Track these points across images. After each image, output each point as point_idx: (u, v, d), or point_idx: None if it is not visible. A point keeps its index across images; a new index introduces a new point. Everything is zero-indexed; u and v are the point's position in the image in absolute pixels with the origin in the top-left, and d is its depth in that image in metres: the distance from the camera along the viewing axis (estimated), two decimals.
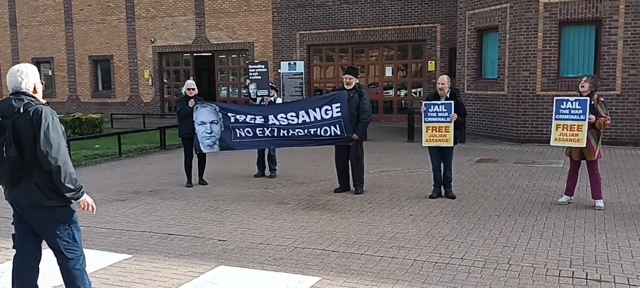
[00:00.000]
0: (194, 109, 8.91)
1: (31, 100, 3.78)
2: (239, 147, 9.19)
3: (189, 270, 5.26)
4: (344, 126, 8.30)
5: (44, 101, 3.99)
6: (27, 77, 3.85)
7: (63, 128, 3.92)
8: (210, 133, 8.85)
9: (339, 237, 6.23)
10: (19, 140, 3.71)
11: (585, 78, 7.46)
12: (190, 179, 9.42)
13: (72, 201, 3.86)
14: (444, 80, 8.05)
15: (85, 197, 3.88)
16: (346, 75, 8.59)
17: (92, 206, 3.92)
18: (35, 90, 3.89)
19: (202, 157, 9.44)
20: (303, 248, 5.83)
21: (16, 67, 3.91)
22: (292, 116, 8.53)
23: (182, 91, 9.44)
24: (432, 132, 7.98)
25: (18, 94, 3.82)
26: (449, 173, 8.16)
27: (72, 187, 3.77)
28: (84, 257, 4.05)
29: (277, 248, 5.86)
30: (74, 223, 3.96)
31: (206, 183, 9.41)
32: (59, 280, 4.05)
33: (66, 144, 3.94)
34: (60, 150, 3.71)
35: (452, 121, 7.86)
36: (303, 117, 8.48)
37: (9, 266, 5.40)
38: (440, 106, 7.94)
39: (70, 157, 4.16)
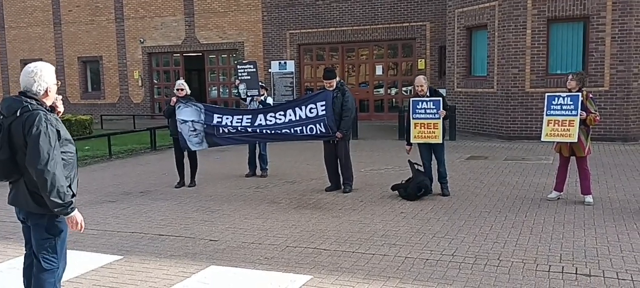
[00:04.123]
0: (176, 107, 8.88)
1: (30, 104, 3.61)
2: (225, 143, 9.28)
3: (180, 270, 5.25)
4: (329, 124, 8.39)
5: (57, 102, 3.84)
6: (40, 79, 3.67)
7: (67, 134, 3.75)
8: (195, 131, 8.85)
9: (330, 235, 6.24)
10: (13, 143, 3.61)
11: (571, 76, 7.51)
12: (183, 179, 9.38)
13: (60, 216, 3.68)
14: (420, 81, 8.12)
15: (75, 214, 3.66)
16: (325, 81, 8.60)
17: (80, 225, 3.71)
18: (46, 94, 3.71)
19: (193, 158, 9.39)
20: (294, 247, 5.84)
21: (32, 66, 3.72)
22: (280, 115, 8.69)
23: (173, 92, 9.39)
24: (421, 128, 8.03)
25: (24, 94, 3.67)
26: (443, 169, 8.15)
27: (60, 202, 3.55)
28: (62, 271, 3.93)
29: (268, 248, 5.86)
30: (59, 234, 3.79)
31: (195, 185, 9.34)
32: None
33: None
34: (49, 161, 3.50)
35: (441, 117, 7.89)
36: (290, 115, 8.62)
37: (7, 265, 5.39)
38: (428, 103, 7.98)
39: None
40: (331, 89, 8.50)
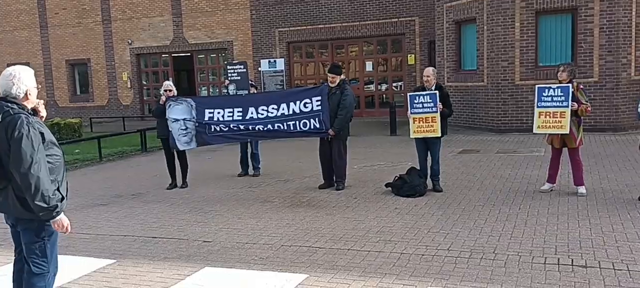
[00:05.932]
0: (167, 106, 8.77)
1: (11, 108, 3.56)
2: (216, 142, 9.15)
3: (175, 273, 5.19)
4: (323, 120, 8.27)
5: (40, 106, 3.81)
6: (19, 82, 3.62)
7: (51, 137, 3.69)
8: (185, 130, 8.70)
9: (325, 233, 6.21)
10: None
11: (562, 67, 7.52)
12: (175, 180, 9.30)
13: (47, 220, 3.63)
14: (429, 72, 8.05)
15: (61, 218, 3.62)
16: (330, 75, 8.49)
17: (66, 228, 3.68)
18: (26, 97, 3.66)
19: (183, 159, 9.31)
20: (289, 246, 5.80)
21: (10, 69, 3.68)
22: (273, 108, 8.48)
23: (161, 93, 9.29)
24: (419, 123, 7.98)
25: (4, 99, 3.62)
26: (436, 166, 8.13)
27: (44, 206, 3.50)
28: (53, 276, 3.87)
29: (263, 247, 5.82)
30: (49, 236, 3.75)
31: (187, 186, 9.27)
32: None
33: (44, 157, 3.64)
34: (33, 165, 3.45)
35: (439, 111, 7.86)
36: (283, 110, 8.44)
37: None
38: (425, 97, 7.94)
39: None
40: (333, 85, 8.37)
